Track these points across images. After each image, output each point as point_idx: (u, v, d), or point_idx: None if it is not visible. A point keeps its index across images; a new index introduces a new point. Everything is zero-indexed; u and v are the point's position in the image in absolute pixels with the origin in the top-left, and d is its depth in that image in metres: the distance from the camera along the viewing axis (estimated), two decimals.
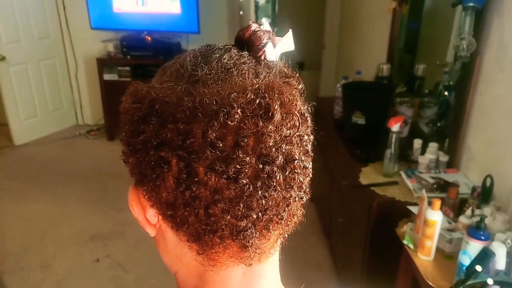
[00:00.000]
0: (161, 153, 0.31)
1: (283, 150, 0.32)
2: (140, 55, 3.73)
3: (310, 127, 0.36)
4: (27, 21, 3.63)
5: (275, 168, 0.32)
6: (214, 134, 0.30)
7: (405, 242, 1.33)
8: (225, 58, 0.34)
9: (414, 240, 1.31)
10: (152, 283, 2.17)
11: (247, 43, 0.36)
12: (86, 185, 3.14)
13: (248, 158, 0.31)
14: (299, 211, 0.36)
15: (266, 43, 0.36)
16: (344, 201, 2.00)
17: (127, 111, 0.35)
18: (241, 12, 4.12)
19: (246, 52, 0.36)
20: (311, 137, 0.36)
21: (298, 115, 0.33)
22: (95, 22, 3.73)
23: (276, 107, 0.31)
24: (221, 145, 0.30)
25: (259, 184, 0.31)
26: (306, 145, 0.35)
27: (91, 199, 2.96)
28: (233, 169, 0.30)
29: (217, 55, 0.35)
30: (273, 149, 0.31)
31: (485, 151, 1.49)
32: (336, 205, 2.18)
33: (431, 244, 1.23)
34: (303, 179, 0.35)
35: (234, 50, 0.36)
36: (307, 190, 0.36)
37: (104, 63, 3.73)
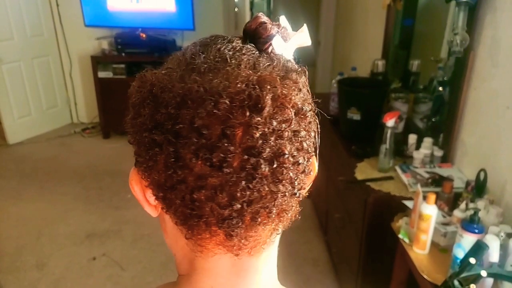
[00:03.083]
0: (154, 136, 0.32)
1: (272, 144, 0.31)
2: (135, 53, 3.71)
3: (311, 123, 0.35)
4: (19, 19, 3.60)
5: (261, 161, 0.31)
6: (200, 121, 0.30)
7: (400, 236, 1.34)
8: (225, 48, 0.34)
9: (409, 234, 1.33)
10: (150, 281, 2.17)
11: (253, 35, 0.35)
12: (82, 184, 3.13)
13: (233, 147, 0.31)
14: (293, 207, 0.36)
15: (273, 36, 0.35)
16: (340, 197, 2.01)
17: (131, 95, 0.36)
18: (236, 9, 4.11)
19: (250, 44, 0.35)
20: (313, 134, 0.36)
21: (293, 109, 0.33)
22: (89, 19, 3.71)
23: (267, 99, 0.31)
24: (206, 132, 0.30)
25: (243, 174, 0.31)
26: (302, 141, 0.34)
27: (87, 198, 2.95)
28: (217, 157, 0.31)
29: (218, 45, 0.35)
30: (260, 141, 0.31)
31: (479, 146, 1.50)
32: (333, 201, 2.19)
33: (426, 238, 1.24)
34: (295, 175, 0.34)
35: (238, 41, 0.35)
36: (302, 187, 0.36)
37: (98, 61, 3.71)
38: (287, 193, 0.34)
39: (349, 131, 1.99)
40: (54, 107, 4.12)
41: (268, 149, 0.31)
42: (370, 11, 2.79)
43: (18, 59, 3.66)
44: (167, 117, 0.32)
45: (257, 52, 0.35)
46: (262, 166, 0.31)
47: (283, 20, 0.37)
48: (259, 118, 0.31)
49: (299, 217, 0.38)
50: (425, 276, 1.17)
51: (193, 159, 0.31)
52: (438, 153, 1.67)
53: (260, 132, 0.31)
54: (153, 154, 0.33)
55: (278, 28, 0.36)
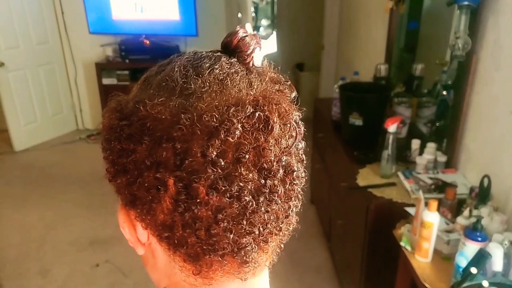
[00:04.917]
0: (156, 174, 0.29)
1: (283, 163, 0.31)
2: (138, 59, 3.74)
3: (302, 134, 0.35)
4: (25, 27, 3.64)
5: (277, 182, 0.31)
6: (214, 152, 0.28)
7: (402, 244, 1.31)
8: (217, 69, 0.32)
9: (412, 241, 1.30)
10: (152, 287, 2.16)
11: (235, 49, 0.34)
12: (85, 190, 3.13)
13: (251, 174, 0.29)
14: (294, 219, 0.36)
15: (254, 49, 0.34)
16: (342, 203, 1.98)
17: (112, 128, 0.32)
18: (239, 15, 4.12)
19: (235, 59, 0.34)
20: (303, 143, 0.35)
21: (295, 125, 0.32)
22: (94, 26, 3.74)
23: (275, 119, 0.30)
24: (222, 163, 0.29)
25: (261, 199, 0.30)
26: (301, 154, 0.34)
27: (90, 204, 2.95)
28: (236, 187, 0.29)
29: (207, 64, 0.32)
30: (274, 163, 0.30)
31: (482, 151, 1.47)
32: (336, 207, 2.16)
33: (428, 245, 1.21)
34: (300, 189, 0.34)
35: (224, 59, 0.34)
36: (300, 197, 0.36)
37: (103, 68, 3.74)
38: (294, 208, 0.34)
39: (351, 136, 1.97)
40: (60, 114, 4.16)
41: (281, 169, 0.31)
42: (373, 15, 2.78)
43: (24, 67, 3.70)
44: (172, 152, 0.29)
45: (243, 67, 0.34)
46: (278, 187, 0.31)
47: (249, 29, 0.37)
48: (271, 140, 0.30)
49: (299, 227, 0.38)
50: (427, 285, 1.14)
51: (210, 193, 0.29)
52: (442, 158, 1.64)
53: (274, 153, 0.30)
54: (156, 194, 0.30)
55: (256, 40, 0.35)
